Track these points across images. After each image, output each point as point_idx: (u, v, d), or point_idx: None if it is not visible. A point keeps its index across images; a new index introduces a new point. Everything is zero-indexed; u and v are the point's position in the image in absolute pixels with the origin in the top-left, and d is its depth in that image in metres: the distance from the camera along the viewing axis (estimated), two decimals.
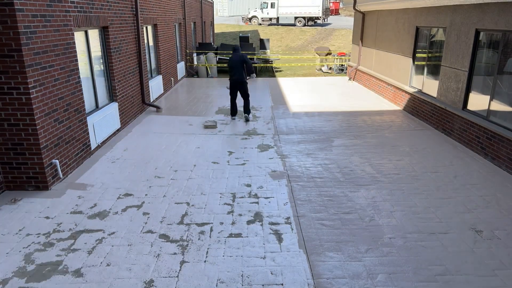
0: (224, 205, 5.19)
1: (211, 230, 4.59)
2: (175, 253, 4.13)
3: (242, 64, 9.16)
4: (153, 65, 11.71)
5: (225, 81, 15.47)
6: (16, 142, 5.32)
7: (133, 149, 7.36)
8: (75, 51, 6.35)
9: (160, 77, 12.01)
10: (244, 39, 21.50)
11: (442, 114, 8.46)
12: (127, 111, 8.95)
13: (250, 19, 40.50)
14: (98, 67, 7.64)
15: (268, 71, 18.29)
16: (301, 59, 23.55)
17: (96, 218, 4.83)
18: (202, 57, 16.39)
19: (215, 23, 36.04)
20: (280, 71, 18.61)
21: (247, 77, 9.44)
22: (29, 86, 5.09)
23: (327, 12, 41.57)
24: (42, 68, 5.38)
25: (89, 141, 6.90)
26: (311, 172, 6.31)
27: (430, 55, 9.35)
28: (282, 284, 3.67)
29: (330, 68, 18.63)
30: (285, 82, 15.33)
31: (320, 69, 18.91)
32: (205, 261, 4.01)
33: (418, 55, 9.97)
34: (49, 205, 5.16)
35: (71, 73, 6.21)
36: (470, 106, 7.62)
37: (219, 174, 6.22)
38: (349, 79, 15.59)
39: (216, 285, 3.65)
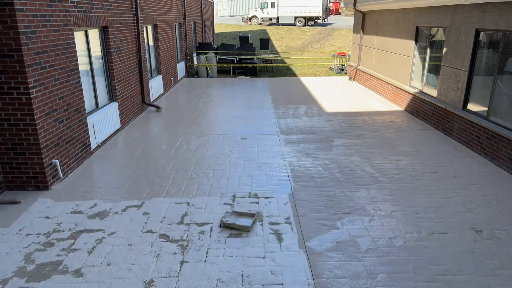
0: (224, 205, 5.19)
1: (211, 230, 4.59)
2: (175, 253, 4.13)
3: None
4: (153, 65, 11.71)
5: (225, 81, 15.43)
6: (16, 142, 5.32)
7: (133, 149, 7.36)
8: (75, 51, 6.35)
9: (160, 77, 12.00)
10: (244, 39, 21.48)
11: (442, 114, 8.46)
12: (127, 111, 8.95)
13: (250, 19, 40.48)
14: (98, 67, 7.64)
15: (268, 71, 18.29)
16: (301, 59, 23.54)
17: (96, 218, 4.83)
18: (202, 57, 16.39)
19: (215, 23, 36.05)
20: (280, 71, 18.60)
21: None
22: (29, 86, 5.09)
23: (327, 12, 41.54)
24: (42, 68, 5.38)
25: (89, 141, 6.90)
26: (311, 172, 6.31)
27: (430, 55, 9.35)
28: (282, 284, 3.67)
29: (331, 68, 18.61)
30: (285, 82, 15.32)
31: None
32: (205, 261, 4.01)
33: (418, 55, 9.97)
34: (49, 205, 5.16)
35: (71, 73, 6.21)
36: (470, 106, 7.61)
37: (219, 174, 6.22)
38: (349, 79, 15.58)
39: (216, 285, 3.65)
